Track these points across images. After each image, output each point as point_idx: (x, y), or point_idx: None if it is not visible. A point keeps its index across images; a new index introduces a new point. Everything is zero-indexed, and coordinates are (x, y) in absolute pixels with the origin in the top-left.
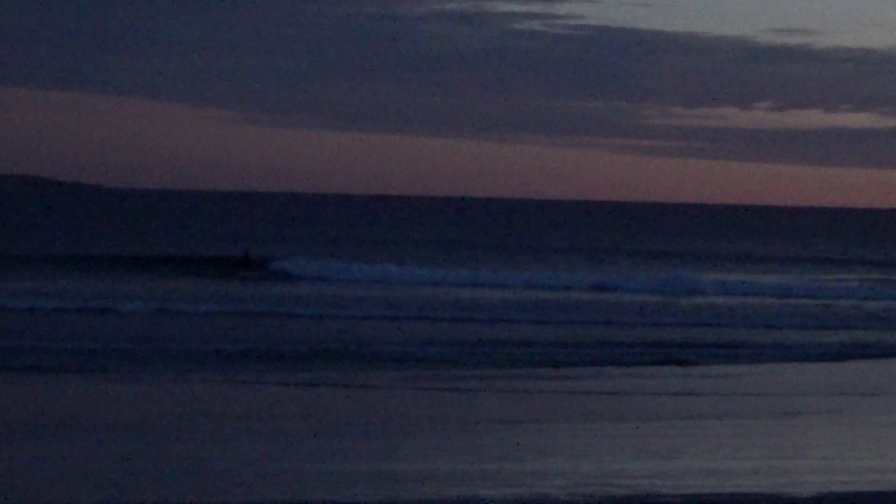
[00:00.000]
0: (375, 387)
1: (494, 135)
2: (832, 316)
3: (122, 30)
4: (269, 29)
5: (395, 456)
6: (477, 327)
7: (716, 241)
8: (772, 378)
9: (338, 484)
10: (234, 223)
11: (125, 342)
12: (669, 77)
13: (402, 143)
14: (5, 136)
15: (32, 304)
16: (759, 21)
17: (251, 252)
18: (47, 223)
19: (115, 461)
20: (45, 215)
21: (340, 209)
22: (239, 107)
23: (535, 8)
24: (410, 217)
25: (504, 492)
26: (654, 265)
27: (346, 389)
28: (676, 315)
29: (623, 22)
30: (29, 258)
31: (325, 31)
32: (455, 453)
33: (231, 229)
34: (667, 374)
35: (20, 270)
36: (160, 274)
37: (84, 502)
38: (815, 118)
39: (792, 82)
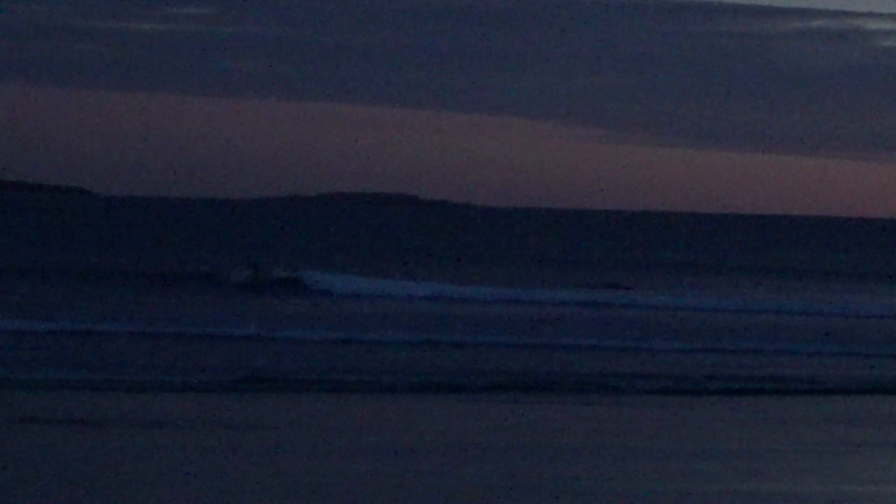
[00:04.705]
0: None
1: (857, 153)
2: None
3: (493, 49)
4: (634, 47)
5: (764, 477)
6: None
7: None
8: None
9: (711, 502)
10: (594, 243)
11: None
12: None
13: (765, 162)
14: (378, 155)
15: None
16: None
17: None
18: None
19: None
20: (409, 233)
21: (708, 228)
22: (608, 125)
23: None
24: (785, 238)
25: None
26: None
27: (681, 410)
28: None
29: None
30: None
31: (689, 50)
32: (822, 476)
33: (591, 249)
34: None
35: None
36: None
37: None
38: None
39: None
